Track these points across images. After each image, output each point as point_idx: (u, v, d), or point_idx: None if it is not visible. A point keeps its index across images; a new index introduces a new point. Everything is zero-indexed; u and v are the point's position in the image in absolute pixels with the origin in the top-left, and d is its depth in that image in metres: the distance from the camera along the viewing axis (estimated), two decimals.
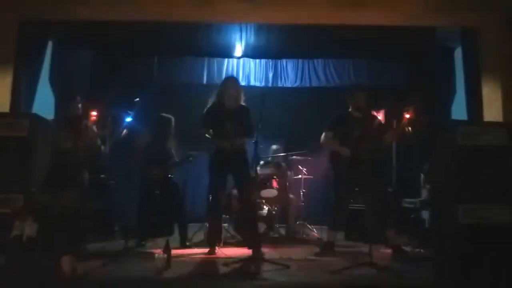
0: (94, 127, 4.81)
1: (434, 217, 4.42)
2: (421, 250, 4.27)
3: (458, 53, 5.14)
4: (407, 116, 4.08)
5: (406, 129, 4.16)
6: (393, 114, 4.36)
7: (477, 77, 4.63)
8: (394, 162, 6.07)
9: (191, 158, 4.81)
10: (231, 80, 4.37)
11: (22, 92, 4.58)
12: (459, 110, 5.05)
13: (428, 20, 4.67)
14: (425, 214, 4.90)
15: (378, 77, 6.48)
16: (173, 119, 4.82)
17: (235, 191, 4.83)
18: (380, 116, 4.43)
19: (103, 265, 3.51)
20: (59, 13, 4.62)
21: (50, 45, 5.11)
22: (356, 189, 4.37)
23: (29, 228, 2.99)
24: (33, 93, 4.75)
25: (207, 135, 4.21)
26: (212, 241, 4.22)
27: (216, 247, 4.18)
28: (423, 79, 5.87)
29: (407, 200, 5.23)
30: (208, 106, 4.24)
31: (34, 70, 4.80)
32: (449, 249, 3.45)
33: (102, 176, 5.06)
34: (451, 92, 5.46)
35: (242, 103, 4.20)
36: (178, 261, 3.68)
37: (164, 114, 4.83)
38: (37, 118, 3.72)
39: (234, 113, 4.11)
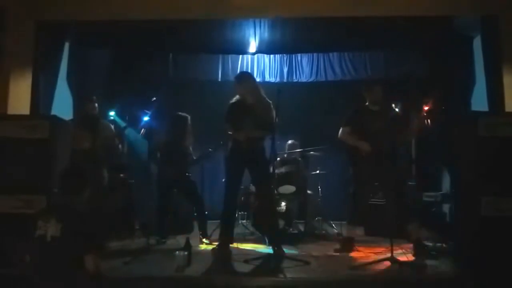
0: (112, 126, 4.87)
1: (455, 211, 4.35)
2: (443, 244, 4.19)
3: (477, 42, 5.02)
4: (427, 108, 4.01)
5: (426, 121, 4.09)
6: (412, 107, 4.28)
7: (498, 66, 4.52)
8: (414, 155, 5.98)
9: (210, 149, 4.81)
10: (239, 77, 4.29)
11: (41, 94, 4.66)
12: (480, 101, 4.93)
13: (447, 9, 4.58)
14: (446, 208, 4.82)
15: (395, 69, 6.37)
16: (189, 117, 4.83)
17: (253, 187, 4.82)
18: (399, 108, 4.34)
19: (124, 263, 3.56)
20: (75, 13, 4.68)
21: (67, 45, 5.17)
22: (376, 183, 4.32)
23: (53, 228, 3.04)
24: (52, 94, 4.83)
25: (228, 130, 4.16)
26: (223, 239, 4.11)
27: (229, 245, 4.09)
28: (442, 70, 5.75)
29: (428, 193, 5.15)
30: (231, 101, 4.22)
31: (52, 71, 4.88)
32: (471, 243, 3.40)
33: (121, 175, 5.12)
34: (471, 82, 5.35)
35: (264, 96, 4.13)
36: (199, 258, 3.70)
37: (180, 113, 4.85)
38: (57, 120, 3.79)
39: (253, 108, 4.07)
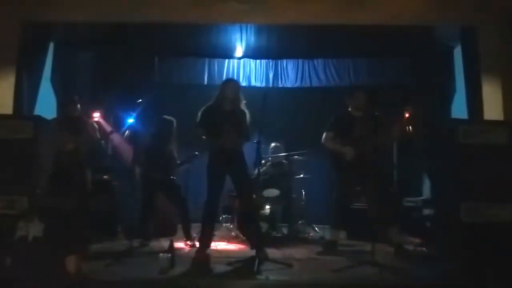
0: (94, 124, 4.82)
1: (436, 216, 4.44)
2: (424, 249, 4.28)
3: (458, 52, 5.16)
4: (408, 115, 4.10)
5: (407, 128, 4.18)
6: (394, 113, 4.36)
7: (477, 75, 4.65)
8: (395, 160, 6.09)
9: (197, 153, 4.81)
10: (232, 83, 4.22)
11: (25, 94, 4.61)
12: (459, 109, 5.06)
13: (428, 18, 4.70)
14: (427, 213, 4.92)
15: (378, 76, 6.47)
16: (174, 121, 4.81)
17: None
18: (381, 115, 4.42)
19: (107, 265, 3.53)
20: (60, 14, 4.65)
21: (51, 46, 5.13)
22: (358, 188, 4.39)
23: (35, 229, 3.01)
24: (35, 94, 4.77)
25: (202, 136, 4.09)
26: (203, 243, 4.06)
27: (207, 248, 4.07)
28: (423, 78, 5.88)
29: (409, 199, 5.24)
30: (205, 106, 4.13)
31: (36, 72, 4.83)
32: (451, 248, 3.48)
33: (105, 177, 5.07)
34: (452, 91, 5.48)
35: (242, 106, 4.12)
36: (182, 260, 3.70)
37: (165, 116, 4.83)
38: (41, 120, 3.75)
39: (232, 115, 4.03)
